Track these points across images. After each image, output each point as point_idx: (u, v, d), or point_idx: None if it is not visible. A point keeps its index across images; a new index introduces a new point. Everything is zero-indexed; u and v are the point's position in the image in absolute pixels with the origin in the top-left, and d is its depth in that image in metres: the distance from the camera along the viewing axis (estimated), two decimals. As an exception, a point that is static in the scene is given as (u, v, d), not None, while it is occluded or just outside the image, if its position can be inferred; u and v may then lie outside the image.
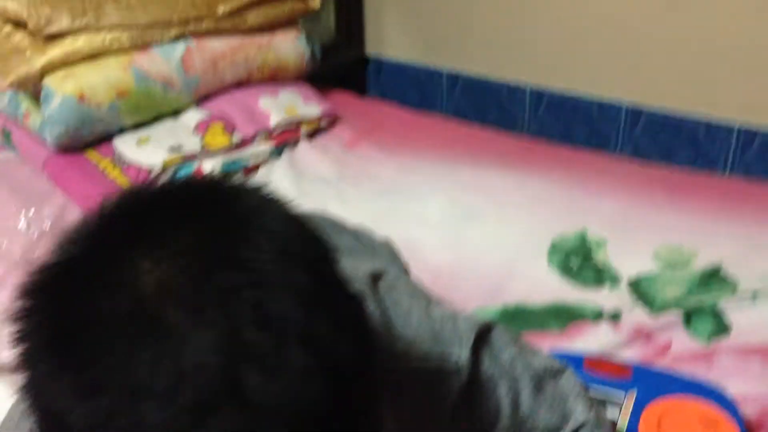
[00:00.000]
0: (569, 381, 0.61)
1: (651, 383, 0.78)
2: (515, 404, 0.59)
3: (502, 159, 1.33)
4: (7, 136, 1.41)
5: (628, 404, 0.76)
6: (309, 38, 1.57)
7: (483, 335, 0.60)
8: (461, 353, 0.57)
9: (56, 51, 1.29)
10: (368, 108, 1.57)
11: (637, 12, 1.93)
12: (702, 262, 1.04)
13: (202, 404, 0.34)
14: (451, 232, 1.13)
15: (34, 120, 1.32)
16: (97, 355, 0.35)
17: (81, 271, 0.38)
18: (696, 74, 1.74)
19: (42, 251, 0.84)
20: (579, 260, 1.06)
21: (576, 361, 0.82)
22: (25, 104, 1.34)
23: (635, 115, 2.13)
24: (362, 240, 0.78)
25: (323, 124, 1.44)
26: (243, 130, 1.35)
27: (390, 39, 2.70)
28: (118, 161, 1.29)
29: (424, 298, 0.63)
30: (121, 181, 1.25)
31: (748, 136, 1.72)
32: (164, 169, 1.26)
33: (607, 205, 1.18)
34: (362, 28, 2.73)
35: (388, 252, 0.82)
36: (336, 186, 1.27)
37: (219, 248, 0.37)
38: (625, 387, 0.78)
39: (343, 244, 0.70)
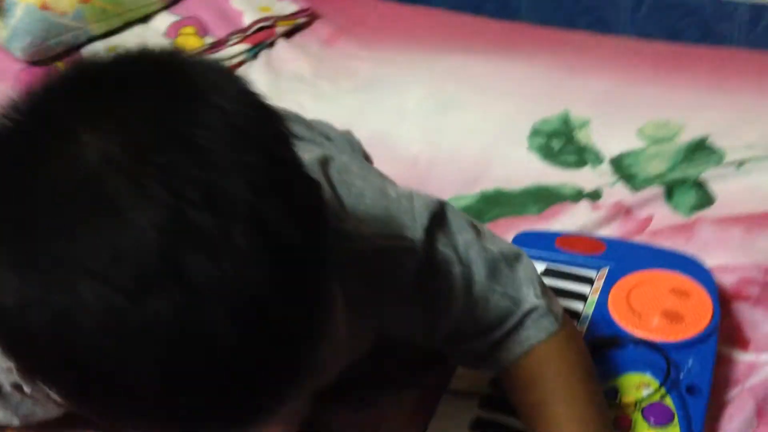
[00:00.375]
0: (524, 268, 0.59)
1: (624, 258, 0.75)
2: (468, 287, 0.57)
3: (488, 46, 1.27)
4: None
5: (599, 281, 0.74)
6: None
7: (439, 215, 0.57)
8: (416, 233, 0.55)
9: (14, -42, 1.24)
10: (348, 3, 1.50)
11: None
12: (689, 135, 1.00)
13: (141, 284, 0.32)
14: (429, 122, 1.09)
15: (1, 35, 1.28)
16: (33, 227, 0.34)
17: (21, 142, 0.36)
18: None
19: None
20: (561, 142, 1.02)
21: (548, 239, 0.79)
22: (-10, 18, 1.31)
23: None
24: (316, 129, 0.75)
25: (300, 21, 1.39)
26: (215, 32, 1.30)
27: None
28: (89, 71, 1.26)
29: (379, 180, 0.60)
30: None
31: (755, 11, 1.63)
32: (134, 76, 1.22)
33: (593, 84, 1.13)
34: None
35: (346, 141, 0.79)
36: (312, 83, 1.23)
37: (168, 123, 0.35)
38: (598, 264, 0.76)
39: (294, 132, 0.67)
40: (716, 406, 0.66)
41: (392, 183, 0.61)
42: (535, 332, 0.58)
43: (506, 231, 0.87)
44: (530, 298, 0.58)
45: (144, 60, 0.39)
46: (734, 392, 0.67)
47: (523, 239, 0.80)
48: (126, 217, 0.33)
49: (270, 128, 0.39)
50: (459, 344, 0.59)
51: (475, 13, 1.89)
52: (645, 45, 1.25)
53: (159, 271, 0.32)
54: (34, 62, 1.27)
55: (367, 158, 0.82)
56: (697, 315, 0.68)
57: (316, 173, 0.54)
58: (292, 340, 0.36)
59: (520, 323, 0.58)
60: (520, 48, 1.25)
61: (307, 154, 0.55)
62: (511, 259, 0.59)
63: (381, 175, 0.62)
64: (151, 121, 0.35)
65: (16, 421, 0.61)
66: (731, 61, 1.16)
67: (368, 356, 0.63)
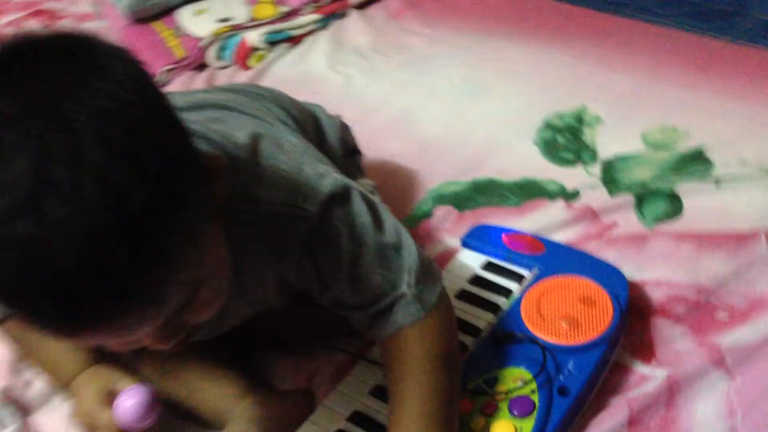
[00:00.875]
0: (408, 256, 0.68)
1: (556, 261, 0.81)
2: (354, 263, 0.66)
3: (536, 30, 1.31)
4: (97, 6, 1.58)
5: (527, 280, 0.81)
6: None
7: (341, 195, 0.67)
8: (313, 205, 0.64)
9: (123, -72, 1.41)
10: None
11: None
12: (690, 144, 1.01)
13: (9, 212, 0.45)
14: (455, 105, 1.16)
15: (112, -7, 1.47)
16: None
17: None
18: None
19: None
20: (566, 138, 1.07)
21: (496, 234, 0.87)
22: (105, -21, 1.50)
23: None
24: (278, 112, 0.83)
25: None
26: (291, 1, 1.43)
27: None
28: (177, 32, 1.42)
29: (304, 157, 0.69)
30: (178, 51, 1.38)
31: None
32: (213, 39, 1.37)
33: (618, 79, 1.15)
34: None
35: (311, 121, 0.87)
36: (367, 57, 1.32)
37: (53, 95, 0.47)
38: (532, 264, 0.82)
39: (251, 111, 0.77)
40: (593, 409, 0.72)
41: (316, 162, 0.69)
42: (402, 317, 0.67)
43: (482, 219, 0.95)
44: (404, 285, 0.67)
45: (59, 40, 0.51)
46: (615, 399, 0.73)
47: (475, 231, 0.88)
48: (8, 162, 0.45)
49: (141, 110, 0.50)
50: (343, 311, 0.70)
51: None
52: (688, 38, 1.23)
53: (24, 205, 0.45)
54: (135, 21, 1.46)
55: (347, 142, 0.92)
56: (593, 324, 0.74)
57: (243, 143, 0.66)
58: (118, 271, 0.47)
59: (391, 306, 0.67)
60: (564, 34, 1.28)
61: (242, 130, 0.67)
62: (399, 247, 0.68)
63: (310, 155, 0.71)
64: (44, 91, 0.47)
65: None
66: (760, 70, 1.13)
67: (295, 312, 0.76)
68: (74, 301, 0.47)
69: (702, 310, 0.80)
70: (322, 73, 1.30)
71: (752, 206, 0.90)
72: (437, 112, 1.16)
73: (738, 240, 0.86)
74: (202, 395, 0.77)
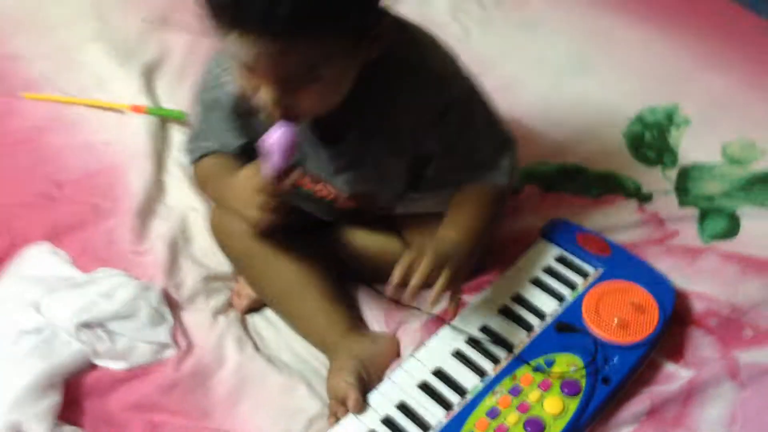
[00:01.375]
0: (507, 144, 0.95)
1: (617, 265, 0.97)
2: (486, 122, 0.94)
3: (651, 12, 1.38)
4: None
5: (591, 278, 0.97)
6: None
7: (477, 94, 0.93)
8: (459, 88, 0.90)
9: None
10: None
11: None
12: (764, 163, 1.13)
13: None
14: (555, 80, 1.28)
15: None
16: None
17: None
18: None
19: None
20: (653, 136, 1.19)
21: (571, 231, 1.02)
22: None
23: None
24: None
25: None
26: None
27: None
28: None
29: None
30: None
31: None
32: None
33: (718, 80, 1.25)
34: None
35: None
36: (488, 10, 1.42)
37: None
38: (597, 264, 0.99)
39: None
40: (623, 396, 0.91)
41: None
42: (493, 177, 0.93)
43: (564, 203, 1.11)
44: (504, 161, 0.93)
45: None
46: (643, 390, 0.92)
47: (554, 224, 1.04)
48: None
49: None
50: (452, 173, 0.93)
51: None
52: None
53: None
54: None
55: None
56: (640, 328, 0.91)
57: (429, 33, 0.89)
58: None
59: (492, 167, 0.93)
60: (675, 20, 1.36)
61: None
62: (500, 136, 0.94)
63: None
64: None
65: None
66: None
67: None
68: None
69: (732, 327, 0.96)
70: (442, 19, 1.41)
71: (800, 241, 1.03)
72: (541, 84, 1.28)
73: (779, 269, 1.01)
74: (316, 325, 0.98)
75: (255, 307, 1.05)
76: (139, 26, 1.46)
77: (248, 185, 0.85)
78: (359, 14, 0.74)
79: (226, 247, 1.02)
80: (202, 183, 1.00)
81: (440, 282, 0.82)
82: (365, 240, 1.04)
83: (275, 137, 0.81)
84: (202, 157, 0.97)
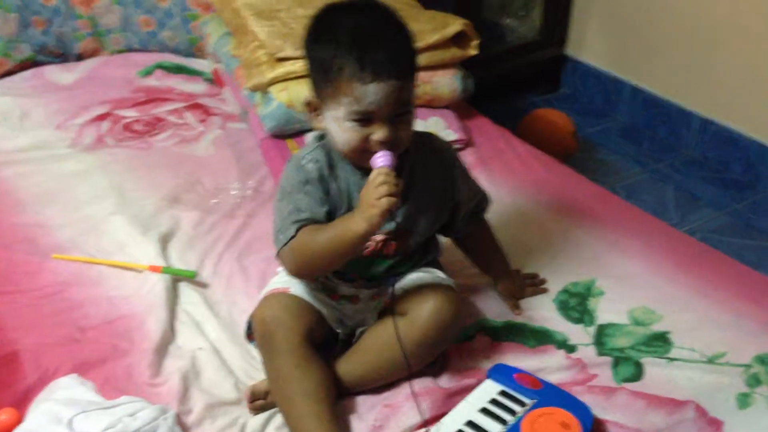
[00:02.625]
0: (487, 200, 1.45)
1: (547, 396, 1.23)
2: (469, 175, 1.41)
3: (573, 209, 1.74)
4: (244, 114, 2.05)
5: (528, 406, 1.22)
6: (463, 77, 2.03)
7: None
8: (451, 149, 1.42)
9: (281, 70, 1.89)
10: (497, 138, 2.01)
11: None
12: (660, 326, 1.42)
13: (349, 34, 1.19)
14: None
15: (260, 110, 1.94)
16: None
17: None
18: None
19: (242, 212, 1.50)
20: (576, 302, 1.49)
21: (510, 372, 1.28)
22: (257, 97, 1.97)
23: None
24: None
25: (456, 147, 1.92)
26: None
27: (588, 44, 3.07)
28: (304, 152, 1.88)
29: None
30: (303, 167, 1.83)
31: None
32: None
33: (623, 264, 1.57)
34: (565, 30, 3.11)
35: None
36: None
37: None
38: (532, 396, 1.24)
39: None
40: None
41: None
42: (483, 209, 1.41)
43: (508, 351, 1.37)
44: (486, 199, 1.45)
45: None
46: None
47: (497, 367, 1.30)
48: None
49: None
50: (468, 202, 1.38)
51: (650, 133, 2.42)
52: (682, 238, 1.66)
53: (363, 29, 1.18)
54: (273, 135, 1.92)
55: None
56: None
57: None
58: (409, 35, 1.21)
59: (482, 203, 1.43)
60: (591, 214, 1.71)
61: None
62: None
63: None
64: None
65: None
66: (737, 278, 1.54)
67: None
68: (389, 47, 1.16)
69: (641, 448, 1.21)
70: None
71: (690, 382, 1.31)
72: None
73: (675, 404, 1.27)
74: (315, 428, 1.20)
75: (265, 407, 1.26)
76: (155, 203, 1.75)
77: (373, 183, 1.15)
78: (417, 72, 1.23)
79: (270, 337, 1.24)
80: (302, 250, 1.21)
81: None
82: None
83: (382, 156, 1.17)
84: (298, 230, 1.22)
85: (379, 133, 1.17)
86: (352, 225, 1.16)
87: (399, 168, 1.20)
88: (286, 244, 1.23)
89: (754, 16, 2.43)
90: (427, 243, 1.38)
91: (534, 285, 1.53)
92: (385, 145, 1.17)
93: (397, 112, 1.17)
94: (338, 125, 1.20)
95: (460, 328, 1.37)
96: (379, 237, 1.29)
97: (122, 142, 1.99)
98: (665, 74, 2.79)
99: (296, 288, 1.32)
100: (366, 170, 1.20)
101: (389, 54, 1.15)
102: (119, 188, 1.81)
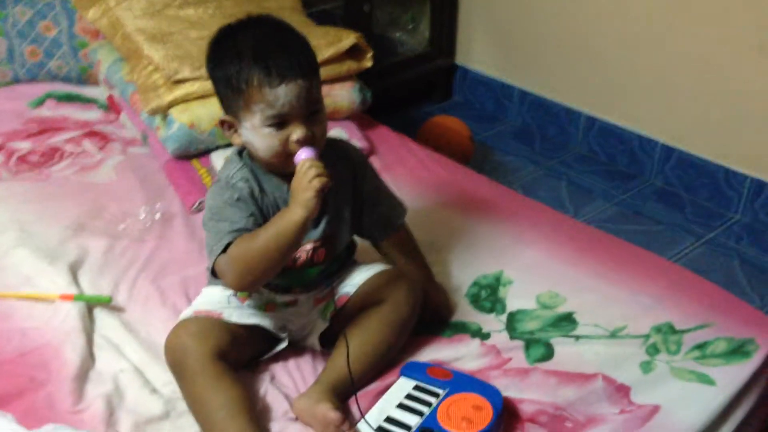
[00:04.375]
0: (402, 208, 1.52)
1: (459, 384, 1.28)
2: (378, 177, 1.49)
3: (476, 205, 1.82)
4: (144, 137, 2.04)
5: (441, 396, 1.27)
6: (361, 88, 2.09)
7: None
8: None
9: (179, 92, 1.90)
10: (398, 145, 2.08)
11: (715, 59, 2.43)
12: (565, 307, 1.51)
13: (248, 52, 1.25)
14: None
15: (162, 133, 1.94)
16: None
17: None
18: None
19: (152, 235, 1.49)
20: (487, 293, 1.56)
21: (423, 367, 1.34)
22: (157, 121, 1.96)
23: (668, 151, 2.58)
24: None
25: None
26: (297, 158, 1.92)
27: (476, 53, 3.20)
28: (211, 170, 1.89)
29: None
30: (210, 185, 1.84)
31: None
32: (238, 182, 1.84)
33: (528, 253, 1.66)
34: (453, 41, 3.22)
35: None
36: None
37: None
38: (444, 386, 1.29)
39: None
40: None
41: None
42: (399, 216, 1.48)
43: (424, 344, 1.42)
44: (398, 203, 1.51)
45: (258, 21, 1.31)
46: (495, 472, 1.20)
47: (409, 365, 1.35)
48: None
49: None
50: (377, 207, 1.44)
51: (541, 134, 2.59)
52: (578, 226, 1.76)
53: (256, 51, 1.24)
54: (177, 157, 1.93)
55: None
56: (481, 421, 1.20)
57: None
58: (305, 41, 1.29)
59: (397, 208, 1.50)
60: (492, 210, 1.79)
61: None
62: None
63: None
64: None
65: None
66: (628, 258, 1.65)
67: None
68: (292, 52, 1.23)
69: (557, 421, 1.28)
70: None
71: (596, 356, 1.40)
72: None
73: (584, 378, 1.36)
74: None
75: None
76: (59, 233, 1.72)
77: (301, 172, 1.21)
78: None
79: (179, 363, 1.26)
80: (242, 257, 1.23)
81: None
82: None
83: (304, 151, 1.22)
84: (233, 240, 1.24)
85: (296, 133, 1.22)
86: (290, 215, 1.20)
87: None
88: (222, 252, 1.25)
89: (625, 18, 2.61)
90: (349, 244, 1.44)
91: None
92: (304, 143, 1.23)
93: (309, 110, 1.24)
94: (256, 134, 1.24)
95: None
96: (308, 246, 1.33)
97: (18, 175, 1.94)
98: (550, 77, 2.94)
99: (216, 306, 1.35)
100: (291, 181, 1.24)
101: (291, 57, 1.22)
102: (19, 221, 1.76)
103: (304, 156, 1.22)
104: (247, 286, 1.30)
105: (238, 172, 1.31)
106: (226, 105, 1.29)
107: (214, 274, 1.29)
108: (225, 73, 1.25)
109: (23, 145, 2.06)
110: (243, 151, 1.34)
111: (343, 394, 1.29)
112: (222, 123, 1.31)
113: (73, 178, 1.94)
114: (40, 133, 2.11)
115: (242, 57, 1.22)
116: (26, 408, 1.29)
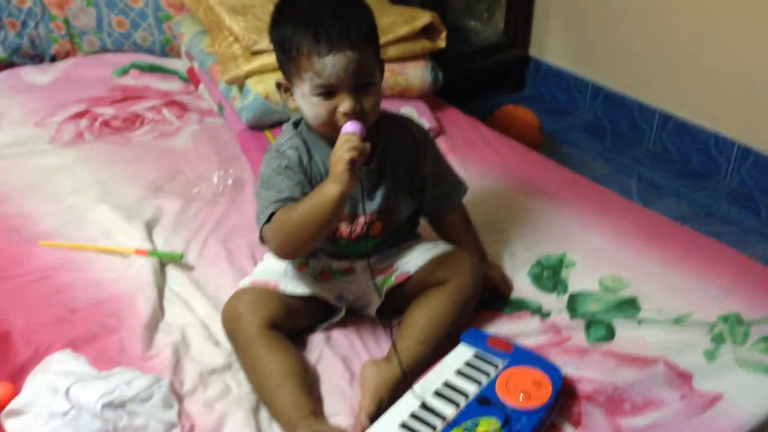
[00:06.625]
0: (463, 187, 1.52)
1: (518, 357, 1.28)
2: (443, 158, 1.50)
3: (547, 189, 1.82)
4: (221, 108, 2.10)
5: (500, 367, 1.28)
6: (433, 68, 2.10)
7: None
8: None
9: (256, 63, 1.94)
10: (468, 127, 2.09)
11: None
12: (629, 291, 1.50)
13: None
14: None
15: (237, 104, 1.99)
16: None
17: None
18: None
19: (224, 199, 1.55)
20: (549, 273, 1.56)
21: (483, 337, 1.34)
22: (234, 91, 2.02)
23: (745, 151, 2.52)
24: None
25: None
26: (368, 134, 1.95)
27: (551, 45, 3.18)
28: (283, 142, 1.93)
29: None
30: (281, 156, 1.88)
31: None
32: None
33: (593, 237, 1.65)
34: (528, 32, 3.21)
35: None
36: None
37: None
38: (504, 357, 1.29)
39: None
40: (534, 449, 1.19)
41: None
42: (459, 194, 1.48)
43: (486, 319, 1.43)
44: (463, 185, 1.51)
45: None
46: (549, 446, 1.20)
47: (470, 332, 1.35)
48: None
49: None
50: (438, 183, 1.45)
51: (612, 129, 2.56)
52: (646, 213, 1.74)
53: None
54: (251, 127, 1.98)
55: None
56: (539, 397, 1.20)
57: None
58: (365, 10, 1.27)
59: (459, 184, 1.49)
60: (561, 195, 1.79)
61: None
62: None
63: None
64: None
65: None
66: (697, 248, 1.62)
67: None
68: (346, 21, 1.21)
69: (615, 401, 1.27)
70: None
71: (659, 341, 1.38)
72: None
73: (645, 361, 1.34)
74: (285, 407, 1.23)
75: None
76: (137, 193, 1.79)
77: (337, 145, 1.20)
78: (378, 47, 1.29)
79: (233, 332, 1.30)
80: (282, 227, 1.25)
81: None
82: None
83: (349, 124, 1.21)
84: (277, 209, 1.27)
85: (344, 105, 1.22)
86: (325, 189, 1.21)
87: (373, 145, 1.25)
88: (266, 222, 1.28)
89: (705, 13, 2.55)
90: (410, 217, 1.45)
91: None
92: (351, 116, 1.22)
93: (358, 83, 1.23)
94: (306, 101, 1.26)
95: None
96: (363, 219, 1.35)
97: (101, 138, 2.03)
98: (625, 72, 2.90)
99: (274, 276, 1.39)
100: None
101: (343, 27, 1.20)
102: (101, 180, 1.84)
103: (349, 129, 1.20)
104: (289, 255, 1.32)
105: (290, 140, 1.33)
106: (282, 68, 1.31)
107: (263, 241, 1.32)
108: (280, 37, 1.26)
109: (107, 111, 2.14)
110: (300, 121, 1.36)
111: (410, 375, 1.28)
112: (278, 85, 1.34)
113: (152, 143, 2.01)
114: (123, 100, 2.19)
115: (296, 21, 1.22)
116: (98, 352, 1.35)
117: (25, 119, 2.09)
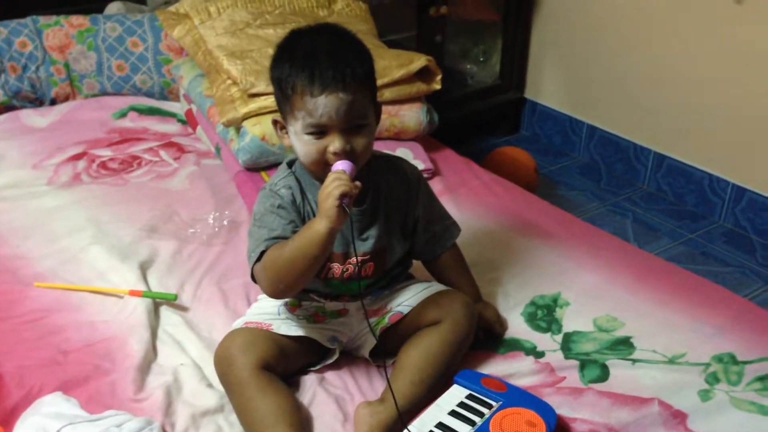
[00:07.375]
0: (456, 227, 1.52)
1: (513, 397, 1.28)
2: (435, 198, 1.50)
3: (537, 229, 1.82)
4: (218, 150, 2.12)
5: (494, 408, 1.27)
6: (428, 110, 2.13)
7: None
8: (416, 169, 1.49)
9: (253, 105, 1.97)
10: (463, 168, 2.10)
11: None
12: (623, 332, 1.50)
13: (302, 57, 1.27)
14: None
15: (234, 145, 2.01)
16: None
17: None
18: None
19: (219, 240, 1.55)
20: (543, 313, 1.56)
21: (477, 377, 1.34)
22: (231, 133, 2.04)
23: (739, 192, 2.53)
24: None
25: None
26: (363, 175, 1.96)
27: (546, 87, 3.22)
28: (278, 183, 1.95)
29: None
30: (277, 197, 1.89)
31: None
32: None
33: (586, 276, 1.65)
34: (523, 75, 3.25)
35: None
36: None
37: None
38: (498, 398, 1.29)
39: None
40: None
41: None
42: (453, 237, 1.47)
43: (479, 359, 1.42)
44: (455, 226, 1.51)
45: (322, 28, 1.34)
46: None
47: (464, 373, 1.35)
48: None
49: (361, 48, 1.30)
50: (431, 225, 1.45)
51: (608, 169, 2.51)
52: (639, 254, 1.75)
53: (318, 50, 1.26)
54: (247, 168, 1.99)
55: None
56: (534, 439, 1.21)
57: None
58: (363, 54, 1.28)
59: (449, 228, 1.49)
60: (555, 235, 1.79)
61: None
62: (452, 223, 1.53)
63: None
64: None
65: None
66: (683, 286, 1.62)
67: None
68: (338, 62, 1.23)
69: (609, 442, 1.27)
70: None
71: (653, 381, 1.37)
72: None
73: (640, 401, 1.34)
74: None
75: None
76: (132, 234, 1.80)
77: (325, 183, 1.21)
78: (374, 89, 1.31)
79: (226, 374, 1.29)
80: (272, 265, 1.26)
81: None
82: None
83: (340, 163, 1.23)
84: (268, 247, 1.28)
85: (334, 144, 1.24)
86: (314, 225, 1.22)
87: (366, 185, 1.28)
88: (257, 261, 1.29)
89: (699, 55, 2.59)
90: (403, 258, 1.45)
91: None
92: (341, 155, 1.24)
93: (350, 125, 1.24)
94: (298, 139, 1.28)
95: None
96: (355, 260, 1.35)
97: (98, 179, 2.04)
98: (619, 113, 2.93)
99: (267, 317, 1.39)
100: None
101: (338, 69, 1.22)
102: (96, 221, 1.85)
103: (339, 167, 1.21)
104: (279, 293, 1.32)
105: (284, 179, 1.35)
106: (279, 106, 1.33)
107: (255, 280, 1.33)
108: (278, 76, 1.29)
109: (105, 153, 2.16)
110: (295, 160, 1.38)
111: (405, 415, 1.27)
112: (275, 123, 1.36)
113: (149, 184, 2.02)
114: (121, 142, 2.21)
115: (294, 62, 1.25)
116: (90, 394, 1.35)
117: (24, 161, 2.11)
